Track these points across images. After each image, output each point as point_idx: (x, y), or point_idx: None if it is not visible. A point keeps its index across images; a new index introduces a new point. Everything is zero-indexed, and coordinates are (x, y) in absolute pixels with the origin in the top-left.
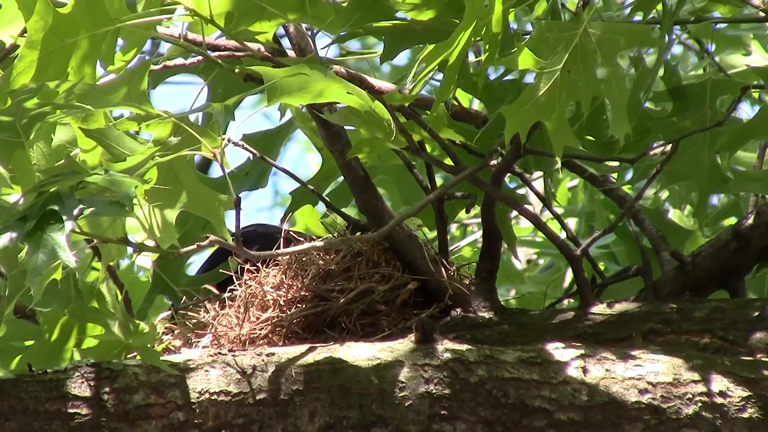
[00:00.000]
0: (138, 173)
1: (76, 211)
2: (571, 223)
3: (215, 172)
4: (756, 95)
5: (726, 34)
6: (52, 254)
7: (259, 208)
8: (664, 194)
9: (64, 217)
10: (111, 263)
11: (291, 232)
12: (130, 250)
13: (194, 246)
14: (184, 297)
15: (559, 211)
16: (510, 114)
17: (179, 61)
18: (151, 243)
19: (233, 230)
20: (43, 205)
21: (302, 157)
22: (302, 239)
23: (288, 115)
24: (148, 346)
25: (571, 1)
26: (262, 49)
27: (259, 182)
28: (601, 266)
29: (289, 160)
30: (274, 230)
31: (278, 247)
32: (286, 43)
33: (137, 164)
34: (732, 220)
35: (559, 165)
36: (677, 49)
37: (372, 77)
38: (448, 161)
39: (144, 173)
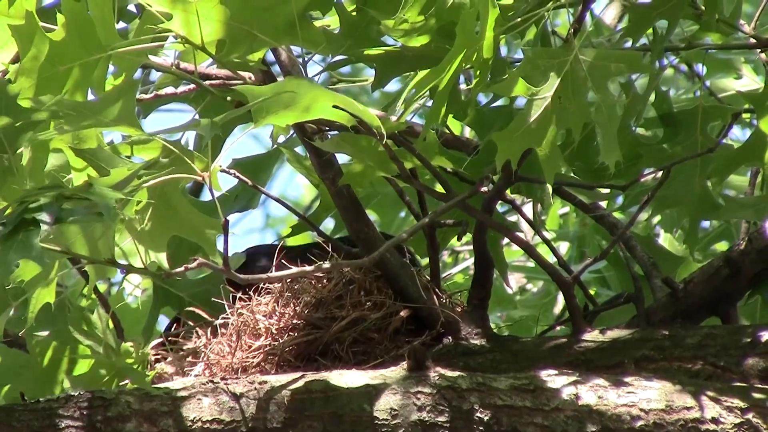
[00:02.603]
0: (126, 191)
1: (52, 217)
2: (563, 247)
3: (207, 194)
4: (747, 118)
5: (717, 58)
6: (24, 253)
7: (250, 230)
8: (656, 218)
9: (41, 222)
10: (101, 289)
11: (283, 261)
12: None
13: (182, 268)
14: (181, 320)
15: (551, 235)
16: (501, 141)
17: (170, 89)
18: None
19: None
20: (23, 212)
21: (292, 177)
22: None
23: (279, 139)
24: (137, 369)
25: (562, 23)
26: (252, 77)
27: (249, 204)
28: (592, 291)
29: (279, 182)
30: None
31: (270, 272)
32: (276, 69)
33: (123, 180)
34: (723, 245)
35: (550, 191)
36: (667, 72)
37: (362, 102)
38: (440, 188)
39: (131, 192)
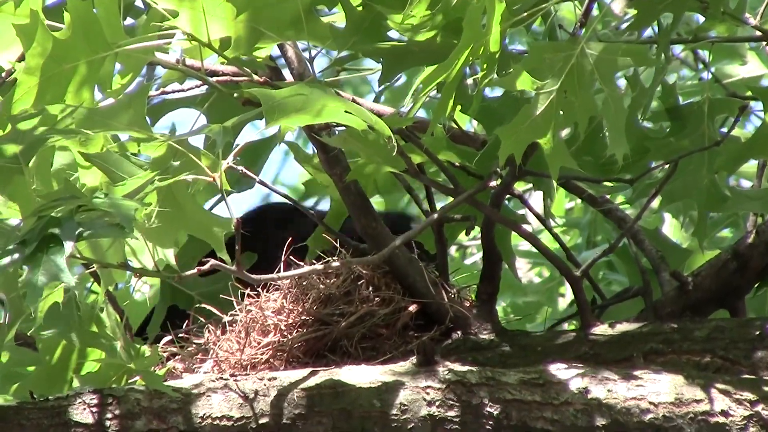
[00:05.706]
0: (138, 197)
1: (74, 235)
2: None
3: None
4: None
5: (722, 45)
6: (52, 276)
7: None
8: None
9: (64, 240)
10: (110, 288)
11: (291, 258)
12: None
13: (194, 270)
14: (189, 319)
15: (560, 222)
16: (505, 135)
17: (176, 86)
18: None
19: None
20: (43, 228)
21: (284, 161)
22: (302, 264)
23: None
24: (150, 369)
25: (567, 9)
26: (259, 74)
27: (246, 183)
28: (599, 277)
29: (273, 165)
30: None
31: (279, 270)
32: (282, 63)
33: (137, 188)
34: (727, 233)
35: (555, 185)
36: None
37: (364, 93)
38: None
39: (144, 197)
